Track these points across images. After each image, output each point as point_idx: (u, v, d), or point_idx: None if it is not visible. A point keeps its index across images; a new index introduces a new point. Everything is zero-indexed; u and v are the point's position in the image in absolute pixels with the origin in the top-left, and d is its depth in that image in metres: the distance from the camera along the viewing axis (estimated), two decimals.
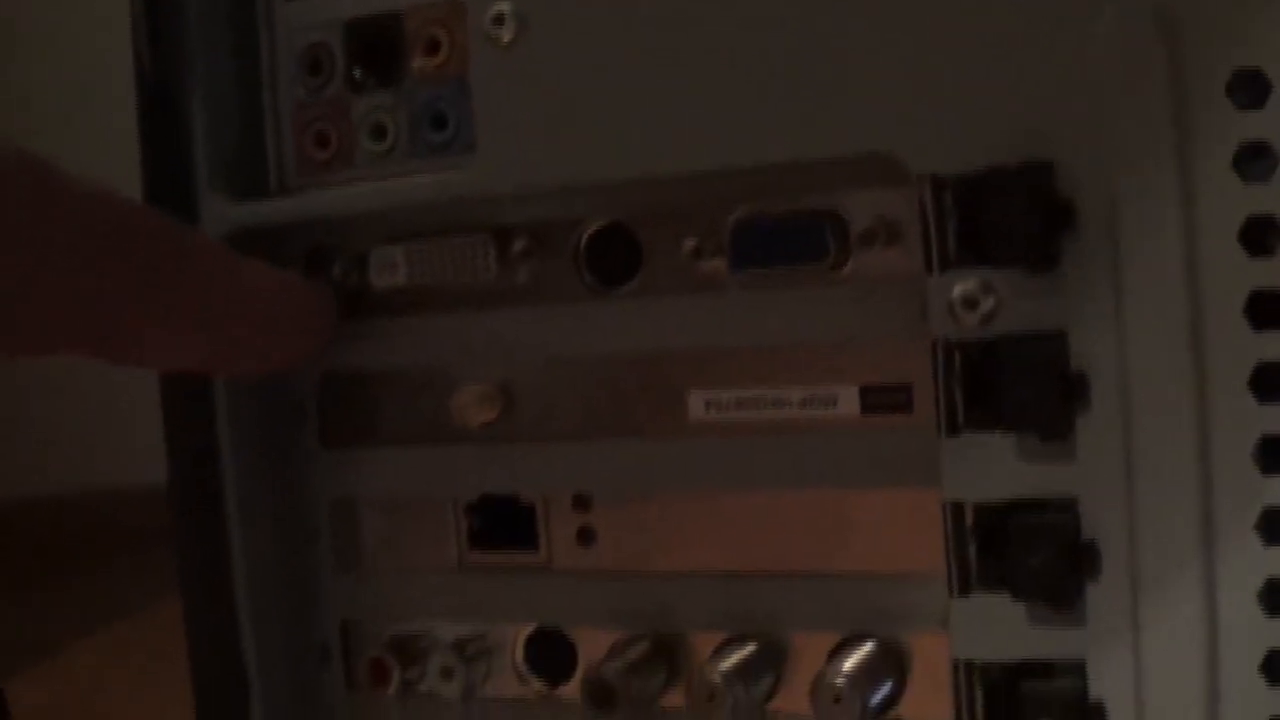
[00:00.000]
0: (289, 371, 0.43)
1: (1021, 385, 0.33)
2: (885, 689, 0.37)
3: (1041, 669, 0.34)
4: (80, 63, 1.84)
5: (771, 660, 0.39)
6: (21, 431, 1.91)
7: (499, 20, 0.37)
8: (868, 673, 0.37)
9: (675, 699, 0.40)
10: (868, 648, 0.38)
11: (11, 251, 0.30)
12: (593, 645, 0.41)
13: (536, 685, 0.42)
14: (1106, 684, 0.33)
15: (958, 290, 0.34)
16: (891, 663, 0.38)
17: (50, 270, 0.31)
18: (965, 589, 0.34)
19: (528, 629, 0.42)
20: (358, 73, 0.42)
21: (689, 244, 0.38)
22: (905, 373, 0.37)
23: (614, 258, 0.39)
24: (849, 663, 0.37)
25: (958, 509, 0.34)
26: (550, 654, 0.42)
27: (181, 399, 0.43)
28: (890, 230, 0.36)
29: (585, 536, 0.41)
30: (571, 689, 0.41)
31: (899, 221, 0.36)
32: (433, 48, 0.40)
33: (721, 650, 0.39)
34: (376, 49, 0.41)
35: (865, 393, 0.37)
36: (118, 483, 1.88)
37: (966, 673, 0.35)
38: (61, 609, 1.49)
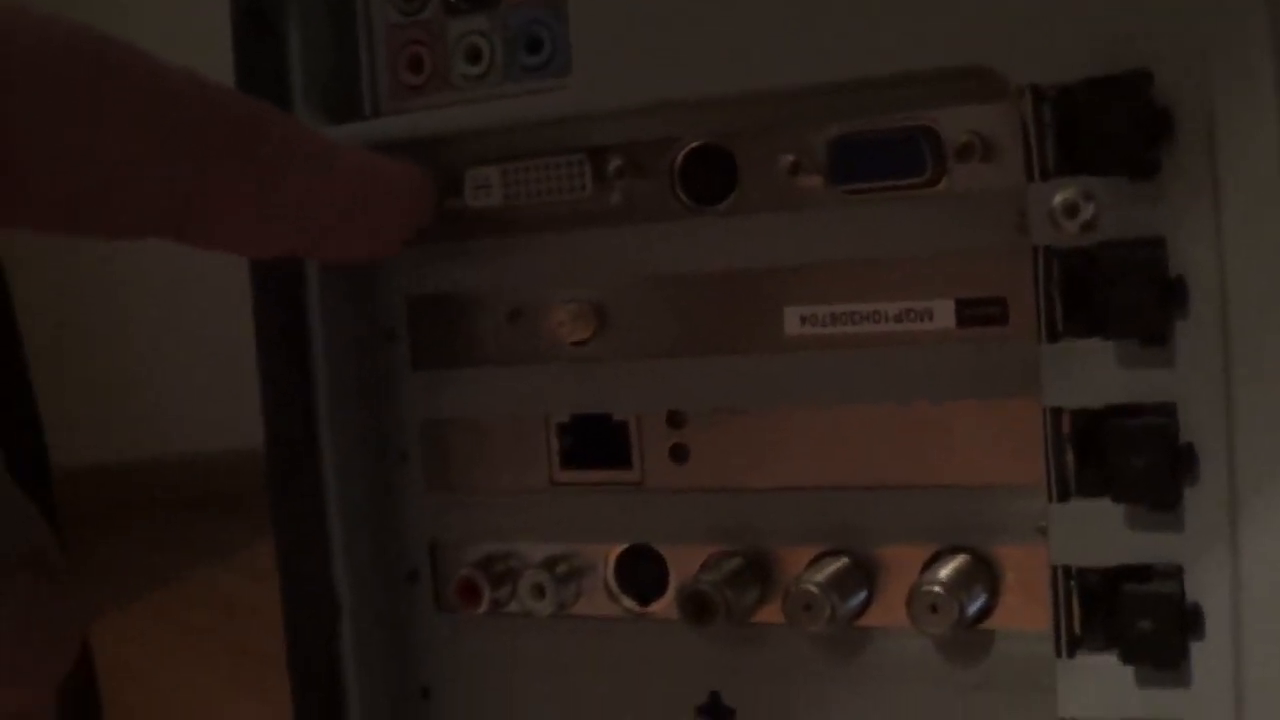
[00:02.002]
0: (384, 286, 0.44)
1: (1120, 290, 0.35)
2: (980, 600, 0.39)
3: (1139, 573, 0.35)
4: None
5: (864, 575, 0.40)
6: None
7: None
8: (963, 582, 0.38)
9: (768, 615, 0.41)
10: (962, 559, 0.39)
11: (74, 125, 0.30)
12: (684, 563, 0.42)
13: (627, 603, 0.44)
14: (1204, 587, 0.34)
15: (1058, 198, 0.35)
16: (985, 574, 0.39)
17: (120, 147, 0.31)
18: (1064, 494, 0.36)
19: (619, 548, 0.44)
20: None
21: (786, 160, 0.40)
22: (1000, 285, 0.38)
23: (709, 176, 0.41)
24: (944, 571, 0.38)
25: (1057, 415, 0.36)
26: (641, 573, 0.43)
27: (275, 325, 0.45)
28: (986, 145, 0.38)
29: (678, 454, 0.42)
30: (662, 607, 0.43)
31: (994, 136, 0.38)
32: None
33: (814, 565, 0.40)
34: None
35: (960, 305, 0.39)
36: (149, 453, 1.90)
37: (1065, 578, 0.36)
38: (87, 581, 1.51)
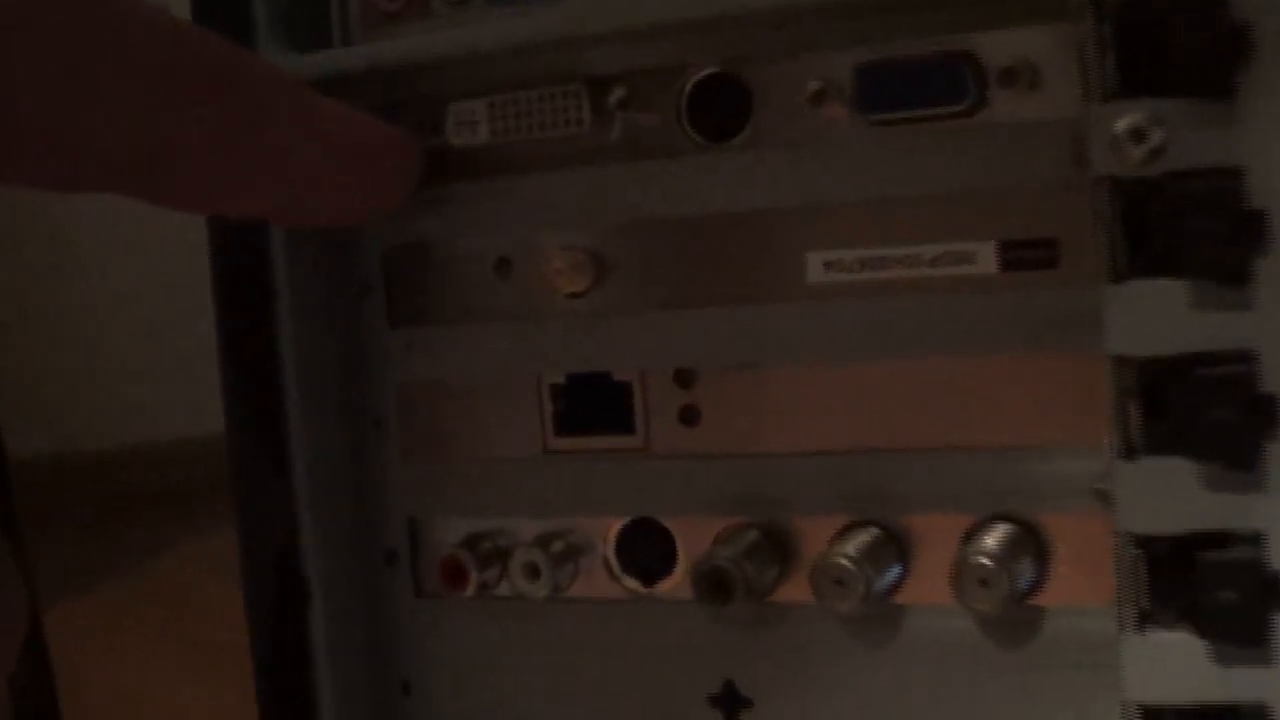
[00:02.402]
0: (357, 237, 0.40)
1: (1193, 224, 0.31)
2: (1029, 573, 0.35)
3: (1215, 540, 0.32)
4: None
5: (897, 547, 0.37)
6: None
7: None
8: (1013, 553, 0.35)
9: (788, 593, 0.38)
10: (1007, 529, 0.36)
11: (32, 63, 0.27)
12: (694, 538, 0.39)
13: (630, 584, 0.40)
14: None
15: (1123, 122, 0.31)
16: (1033, 545, 0.36)
17: (82, 87, 0.28)
18: (1131, 453, 0.32)
19: (621, 522, 0.40)
20: None
21: (811, 87, 0.36)
22: (1049, 225, 0.35)
23: (720, 108, 0.37)
24: (991, 540, 0.35)
25: (1122, 364, 0.32)
26: (646, 549, 0.40)
27: (237, 278, 0.41)
28: (1032, 69, 0.34)
29: (688, 416, 0.39)
30: (670, 586, 0.40)
31: (1041, 60, 0.34)
32: None
33: (841, 537, 0.37)
34: None
35: (1005, 248, 0.35)
36: (101, 443, 1.87)
37: (1132, 545, 0.33)
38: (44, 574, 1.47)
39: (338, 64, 0.39)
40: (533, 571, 0.40)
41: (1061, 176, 0.34)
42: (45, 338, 1.93)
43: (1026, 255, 0.35)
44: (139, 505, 1.73)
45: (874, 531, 0.37)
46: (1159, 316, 0.32)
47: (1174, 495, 0.32)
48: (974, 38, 0.35)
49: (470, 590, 0.40)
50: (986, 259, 0.35)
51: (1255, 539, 0.31)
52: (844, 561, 0.35)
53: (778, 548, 0.38)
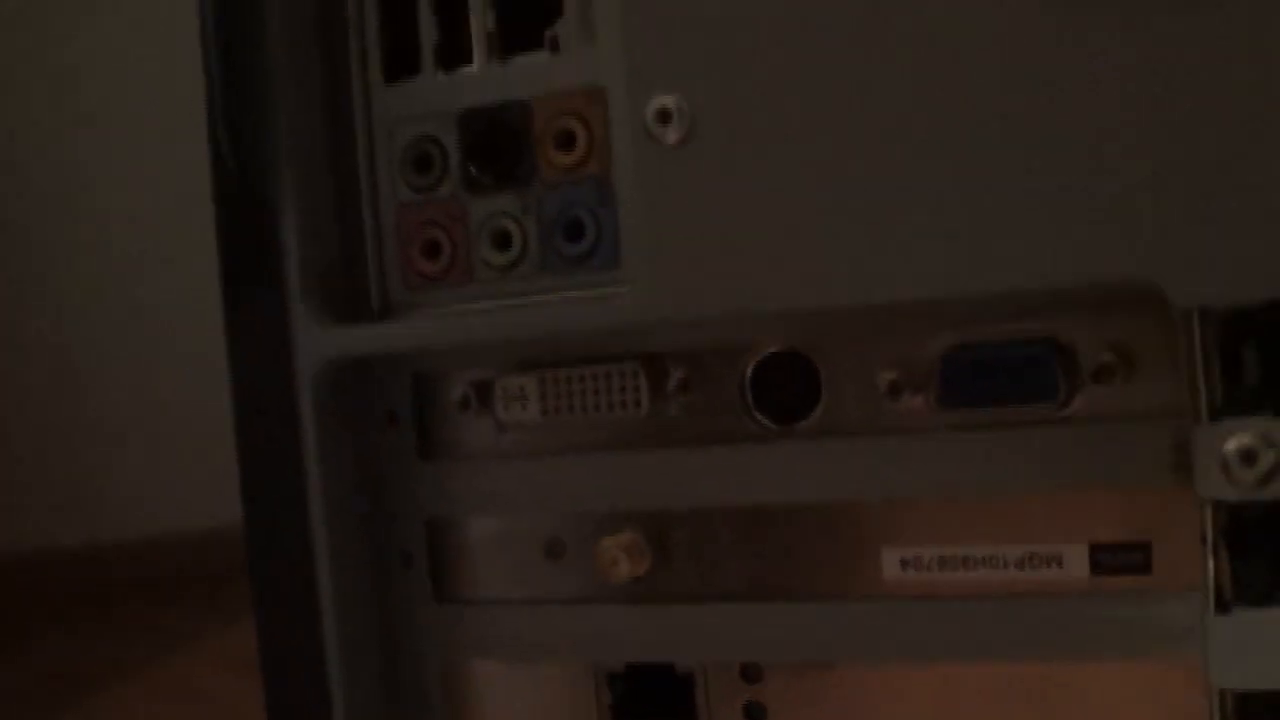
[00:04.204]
0: (402, 503, 0.39)
1: None
2: None
3: None
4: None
5: None
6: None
7: (664, 116, 0.34)
8: None
9: None
10: None
11: None
12: None
13: None
14: None
15: (1232, 443, 0.30)
16: None
17: None
18: None
19: None
20: (475, 170, 0.38)
21: (886, 378, 0.34)
22: (1143, 528, 0.34)
23: (787, 388, 0.36)
24: None
25: (1224, 698, 0.31)
26: None
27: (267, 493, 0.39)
28: (1128, 362, 0.33)
29: (754, 712, 0.37)
30: None
31: (1136, 352, 0.33)
32: (567, 142, 0.37)
33: None
34: (497, 143, 0.37)
35: (1095, 550, 0.34)
36: (107, 537, 1.86)
37: None
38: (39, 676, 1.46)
39: (380, 342, 0.37)
40: None
41: (1155, 475, 0.32)
42: (43, 424, 1.92)
43: (1118, 559, 0.34)
44: (147, 600, 1.71)
45: None
46: (1264, 650, 0.30)
47: None
48: (1063, 324, 0.33)
49: None
50: (1077, 561, 0.34)
51: None
52: None
53: None
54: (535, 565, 0.39)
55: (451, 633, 0.40)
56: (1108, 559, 0.34)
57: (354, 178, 0.39)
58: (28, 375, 1.92)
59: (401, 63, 0.39)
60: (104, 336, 1.89)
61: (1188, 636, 0.32)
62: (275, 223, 0.38)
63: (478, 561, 0.40)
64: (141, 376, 1.91)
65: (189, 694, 1.38)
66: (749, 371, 0.36)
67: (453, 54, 0.38)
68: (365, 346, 0.38)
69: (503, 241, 0.38)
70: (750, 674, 0.37)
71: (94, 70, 1.83)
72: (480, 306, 0.38)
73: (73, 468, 1.90)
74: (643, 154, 0.34)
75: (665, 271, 0.34)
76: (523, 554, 0.39)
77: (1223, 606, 0.31)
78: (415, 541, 0.40)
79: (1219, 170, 0.30)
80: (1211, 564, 0.31)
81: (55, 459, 1.94)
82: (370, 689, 0.40)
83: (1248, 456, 0.30)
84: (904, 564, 0.35)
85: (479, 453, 0.39)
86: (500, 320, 0.37)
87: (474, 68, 0.38)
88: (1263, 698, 0.31)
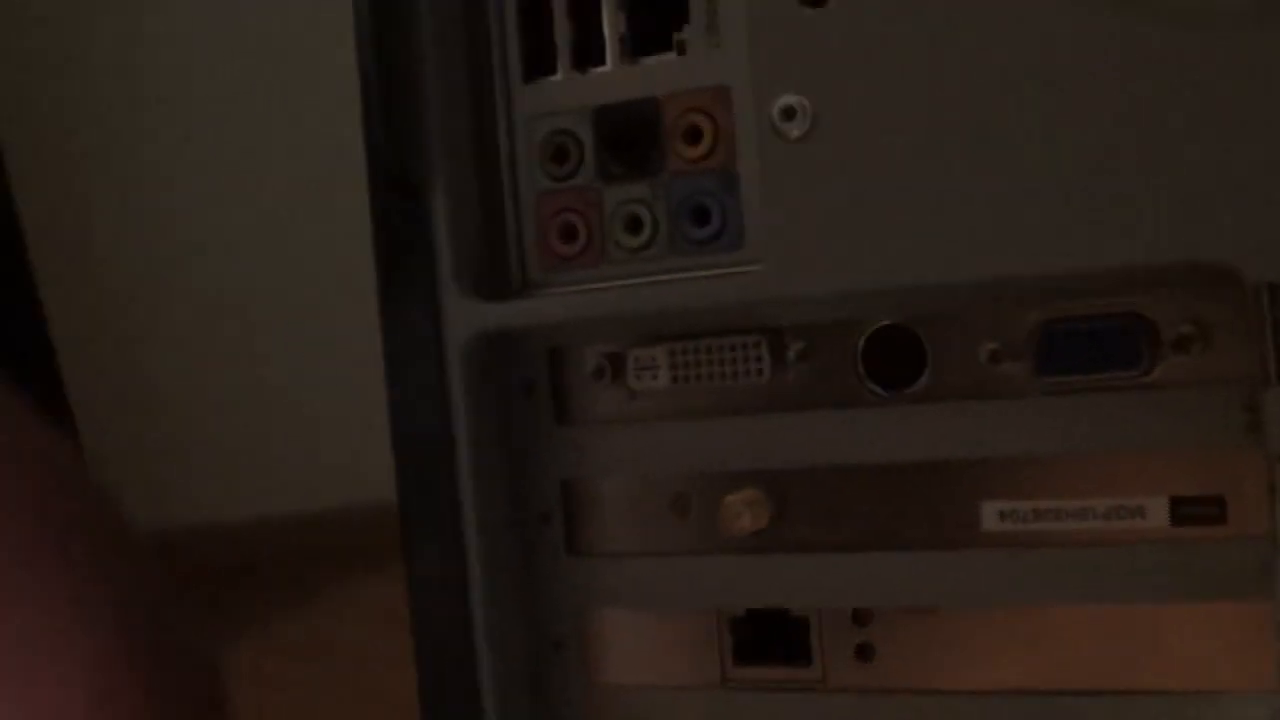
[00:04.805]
0: (539, 465, 0.43)
1: None
2: None
3: None
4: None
5: None
6: None
7: (789, 114, 0.38)
8: None
9: None
10: None
11: None
12: None
13: None
14: None
15: None
16: None
17: None
18: None
19: None
20: (609, 161, 0.42)
21: (988, 347, 0.38)
22: (1218, 482, 0.37)
23: (895, 359, 0.40)
24: None
25: None
26: None
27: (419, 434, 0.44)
28: (1205, 334, 0.37)
29: (864, 652, 0.41)
30: None
31: (1213, 324, 0.37)
32: (694, 136, 0.41)
33: None
34: (629, 136, 0.42)
35: (1175, 503, 0.38)
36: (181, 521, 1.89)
37: None
38: None
39: (527, 316, 0.42)
40: None
41: (1231, 437, 0.36)
42: (118, 411, 1.96)
43: (1196, 511, 0.38)
44: (211, 586, 1.76)
45: None
46: None
47: None
48: (1150, 300, 0.37)
49: None
50: (1158, 513, 0.38)
51: None
52: None
53: None
54: (662, 521, 0.43)
55: (585, 584, 0.44)
56: (1186, 511, 0.38)
57: (497, 168, 0.43)
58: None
59: (539, 63, 0.43)
60: None
61: (1259, 581, 0.36)
62: (427, 209, 0.43)
63: (608, 518, 0.44)
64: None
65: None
66: (861, 343, 0.40)
67: (586, 55, 0.42)
68: (509, 320, 0.42)
69: (634, 226, 0.42)
70: (861, 618, 0.41)
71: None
72: (612, 285, 0.42)
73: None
74: (768, 147, 0.39)
75: (786, 253, 0.39)
76: (651, 511, 0.43)
77: None
78: (552, 501, 0.44)
79: None
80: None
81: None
82: (511, 639, 0.44)
83: None
84: (1002, 516, 0.39)
85: (610, 419, 0.43)
86: (631, 295, 0.41)
87: (607, 67, 0.42)
88: None
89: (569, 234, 0.42)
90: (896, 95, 0.37)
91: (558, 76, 0.42)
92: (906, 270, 0.37)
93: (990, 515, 0.39)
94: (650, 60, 0.41)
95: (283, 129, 1.91)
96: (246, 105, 1.93)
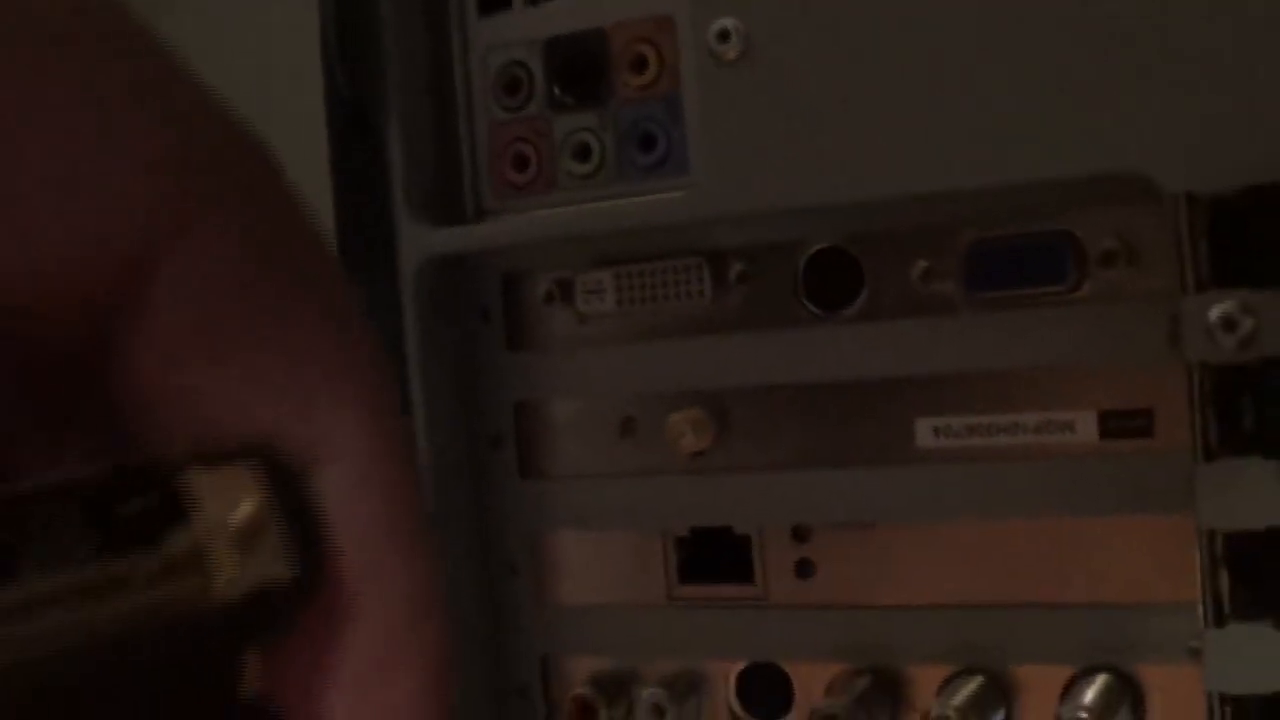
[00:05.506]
0: (493, 390, 0.45)
1: None
2: None
3: None
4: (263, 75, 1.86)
5: (1000, 696, 0.40)
6: None
7: (724, 36, 0.39)
8: (1110, 705, 0.38)
9: None
10: (1104, 680, 0.39)
11: None
12: (809, 681, 0.43)
13: None
14: None
15: (1215, 311, 0.35)
16: (1130, 697, 0.39)
17: None
18: (1220, 620, 0.36)
19: (740, 665, 0.44)
20: (559, 91, 0.43)
21: (920, 266, 0.40)
22: (1146, 396, 0.38)
23: (833, 280, 0.41)
24: (1089, 695, 0.38)
25: (1213, 537, 0.36)
26: (764, 691, 0.44)
27: None
28: (1130, 250, 0.38)
29: (804, 569, 0.43)
30: None
31: (1139, 241, 0.38)
32: (640, 65, 0.42)
33: (947, 685, 0.41)
34: (578, 67, 0.43)
35: (1104, 417, 0.39)
36: None
37: (1221, 706, 0.36)
38: None
39: (477, 240, 0.43)
40: (658, 712, 0.44)
41: (1158, 352, 0.37)
42: None
43: (1124, 424, 0.39)
44: None
45: (979, 680, 0.40)
46: (1249, 493, 0.35)
47: (1264, 660, 0.36)
48: (1076, 218, 0.38)
49: None
50: (1087, 427, 0.39)
51: None
52: (950, 713, 0.39)
53: (888, 694, 0.42)
54: (610, 443, 0.45)
55: (535, 505, 0.46)
56: (1115, 424, 0.39)
57: (452, 99, 0.45)
58: None
59: None
60: None
61: (1186, 494, 0.37)
62: (382, 140, 0.44)
63: (559, 441, 0.45)
64: None
65: None
66: (800, 265, 0.42)
67: None
68: (461, 244, 0.43)
69: (583, 154, 0.43)
70: (800, 534, 0.43)
71: None
72: (563, 210, 0.43)
73: None
74: (705, 71, 0.40)
75: (723, 172, 0.40)
76: (599, 433, 0.45)
77: (1209, 456, 0.36)
78: (504, 425, 0.46)
79: (1201, 69, 0.35)
80: (1199, 420, 0.36)
81: None
82: (462, 558, 0.46)
83: (1229, 323, 0.35)
84: (936, 432, 0.41)
85: (561, 343, 0.45)
86: (578, 218, 0.42)
87: (557, 1, 0.43)
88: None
89: (521, 163, 0.44)
90: (826, 17, 0.38)
91: (511, 10, 0.44)
92: (839, 188, 0.39)
93: (925, 431, 0.41)
94: None
95: None
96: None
